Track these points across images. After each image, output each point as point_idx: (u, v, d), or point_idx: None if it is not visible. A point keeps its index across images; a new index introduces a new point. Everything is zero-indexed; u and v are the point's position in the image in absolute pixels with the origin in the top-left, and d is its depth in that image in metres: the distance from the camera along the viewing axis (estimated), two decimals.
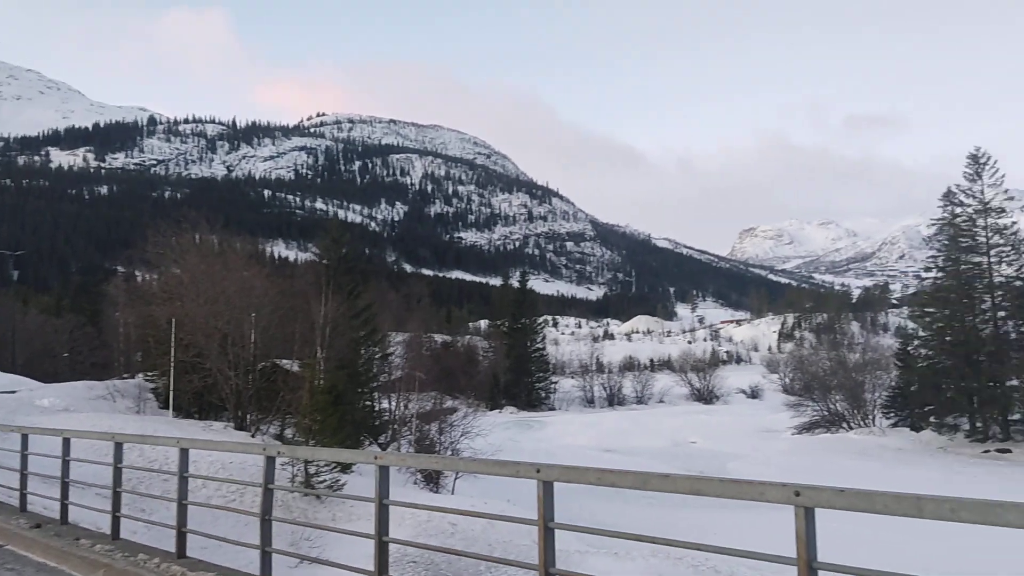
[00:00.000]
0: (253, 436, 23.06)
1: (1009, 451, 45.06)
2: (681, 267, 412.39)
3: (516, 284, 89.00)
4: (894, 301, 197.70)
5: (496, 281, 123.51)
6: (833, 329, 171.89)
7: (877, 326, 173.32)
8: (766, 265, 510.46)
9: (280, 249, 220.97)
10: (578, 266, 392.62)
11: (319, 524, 11.51)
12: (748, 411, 77.64)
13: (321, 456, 12.60)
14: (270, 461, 6.25)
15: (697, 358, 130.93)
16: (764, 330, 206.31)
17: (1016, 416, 46.80)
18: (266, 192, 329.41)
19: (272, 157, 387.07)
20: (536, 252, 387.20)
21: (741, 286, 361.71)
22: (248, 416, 24.66)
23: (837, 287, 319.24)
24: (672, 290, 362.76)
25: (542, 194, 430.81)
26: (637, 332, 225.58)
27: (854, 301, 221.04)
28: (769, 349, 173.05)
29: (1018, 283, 47.44)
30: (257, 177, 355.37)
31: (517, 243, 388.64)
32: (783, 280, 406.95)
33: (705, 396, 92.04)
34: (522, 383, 78.47)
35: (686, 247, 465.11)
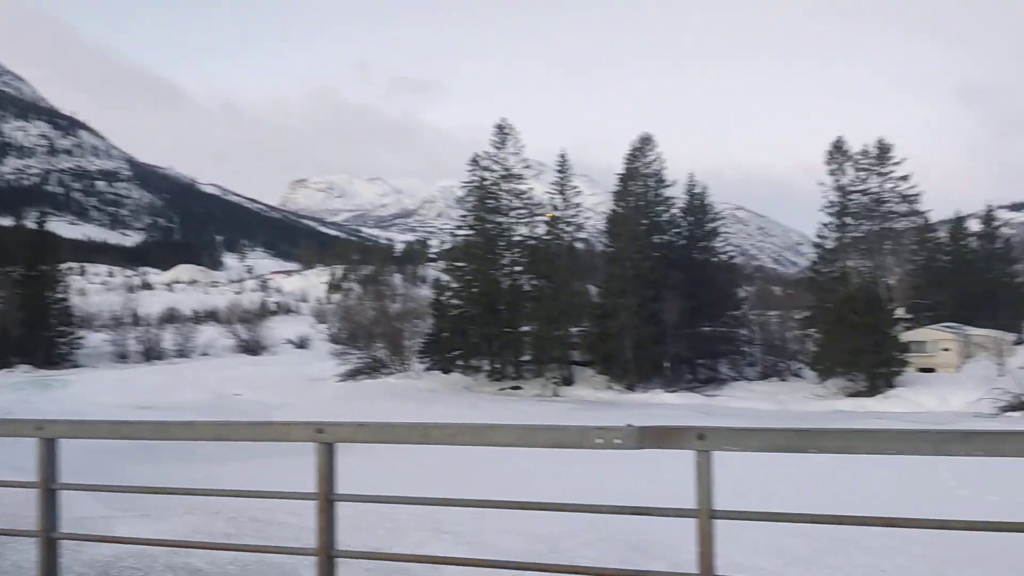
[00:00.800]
0: None
1: (520, 387, 52.28)
2: (230, 215, 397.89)
3: (32, 226, 77.74)
4: (432, 255, 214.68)
5: (7, 222, 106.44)
6: (378, 280, 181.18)
7: (417, 278, 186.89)
8: (317, 217, 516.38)
9: None
10: (111, 208, 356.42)
11: None
12: (296, 361, 78.40)
13: None
14: None
15: (245, 309, 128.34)
16: (314, 281, 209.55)
17: (526, 357, 54.46)
18: None
19: None
20: (60, 190, 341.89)
21: (292, 237, 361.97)
22: None
23: (383, 241, 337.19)
24: (220, 239, 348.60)
25: (68, 125, 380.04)
26: (180, 282, 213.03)
27: (397, 254, 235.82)
28: (318, 300, 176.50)
29: (531, 242, 54.93)
30: None
31: (35, 179, 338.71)
32: (333, 232, 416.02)
33: (252, 348, 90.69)
34: (39, 338, 69.14)
35: (236, 195, 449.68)
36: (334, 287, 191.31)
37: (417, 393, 48.56)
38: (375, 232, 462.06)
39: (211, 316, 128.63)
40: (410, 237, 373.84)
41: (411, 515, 14.80)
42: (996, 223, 73.32)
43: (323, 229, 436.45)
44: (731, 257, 61.58)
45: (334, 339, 74.22)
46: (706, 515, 2.89)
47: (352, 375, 56.75)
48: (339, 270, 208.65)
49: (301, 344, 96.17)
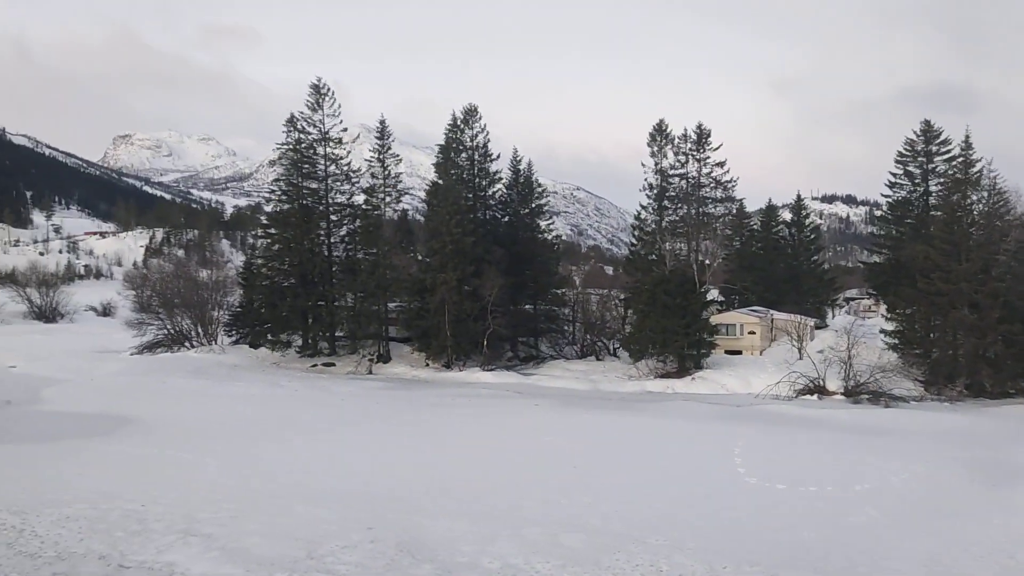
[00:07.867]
0: None
1: (333, 364, 49.76)
2: (43, 169, 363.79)
3: None
4: (265, 221, 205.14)
5: None
6: (203, 246, 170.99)
7: (247, 245, 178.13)
8: (142, 176, 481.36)
9: None
10: None
11: None
12: (94, 330, 72.12)
13: None
14: None
15: (49, 271, 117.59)
16: (131, 244, 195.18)
17: (341, 333, 51.88)
18: None
19: None
20: None
21: (112, 196, 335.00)
22: None
23: (214, 204, 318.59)
24: (29, 194, 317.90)
25: None
26: None
27: (226, 219, 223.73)
28: (135, 264, 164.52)
29: (348, 210, 52.26)
30: None
31: None
32: (160, 193, 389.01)
33: (47, 314, 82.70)
34: None
35: (50, 147, 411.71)
36: (153, 251, 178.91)
37: (217, 368, 45.07)
38: (206, 195, 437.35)
39: (9, 278, 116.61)
40: (244, 201, 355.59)
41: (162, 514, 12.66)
42: (805, 212, 77.26)
43: (148, 189, 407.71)
44: (557, 236, 61.39)
45: (144, 307, 68.69)
46: None
47: (150, 347, 52.27)
48: (160, 233, 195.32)
49: (105, 311, 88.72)
